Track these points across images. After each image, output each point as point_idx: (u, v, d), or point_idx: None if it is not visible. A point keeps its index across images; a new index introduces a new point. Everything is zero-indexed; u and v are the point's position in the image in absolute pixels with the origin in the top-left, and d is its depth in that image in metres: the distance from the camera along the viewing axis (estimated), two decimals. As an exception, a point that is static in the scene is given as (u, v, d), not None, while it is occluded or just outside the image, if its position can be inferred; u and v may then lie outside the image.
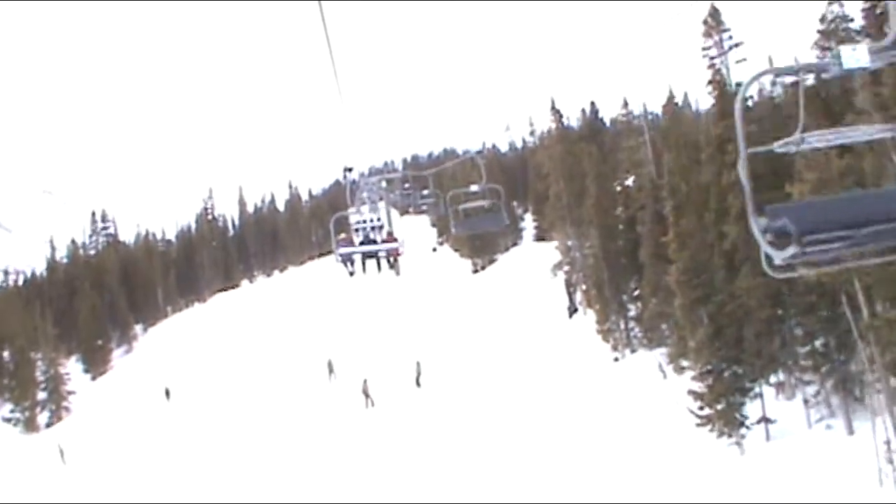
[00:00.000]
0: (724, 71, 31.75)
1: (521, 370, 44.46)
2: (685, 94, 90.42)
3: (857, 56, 5.09)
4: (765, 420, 27.60)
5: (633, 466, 28.32)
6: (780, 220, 4.92)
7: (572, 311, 56.49)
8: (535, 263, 71.84)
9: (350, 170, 22.62)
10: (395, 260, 18.11)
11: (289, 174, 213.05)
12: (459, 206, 19.90)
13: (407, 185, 24.86)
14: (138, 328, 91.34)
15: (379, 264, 18.06)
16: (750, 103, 31.27)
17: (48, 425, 63.69)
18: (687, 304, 29.37)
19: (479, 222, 20.94)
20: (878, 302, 23.12)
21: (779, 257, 4.92)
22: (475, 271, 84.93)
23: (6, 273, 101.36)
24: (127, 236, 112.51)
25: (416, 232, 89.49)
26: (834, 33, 30.49)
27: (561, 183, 57.59)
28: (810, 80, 31.70)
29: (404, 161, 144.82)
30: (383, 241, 17.85)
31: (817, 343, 26.90)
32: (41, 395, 65.74)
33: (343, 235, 17.90)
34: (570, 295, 57.51)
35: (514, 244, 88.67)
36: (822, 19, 30.75)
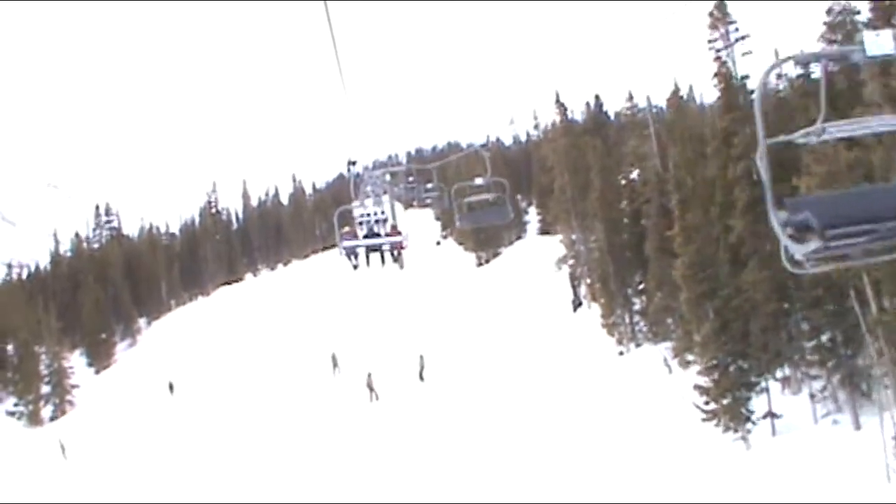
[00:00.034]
0: (729, 63, 31.46)
1: (526, 364, 44.31)
2: (690, 88, 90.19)
3: (880, 42, 4.89)
4: (771, 415, 27.44)
5: (639, 461, 28.16)
6: (801, 213, 4.70)
7: (577, 304, 56.34)
8: (539, 257, 71.69)
9: (354, 163, 22.56)
10: (399, 253, 18.02)
11: (292, 168, 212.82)
12: (464, 199, 19.75)
13: (411, 179, 24.76)
14: (142, 322, 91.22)
15: (383, 258, 17.98)
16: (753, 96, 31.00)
17: (52, 419, 63.58)
18: (693, 299, 29.20)
19: (483, 216, 20.79)
20: (887, 296, 22.92)
21: (800, 252, 4.69)
22: (479, 265, 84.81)
23: (10, 266, 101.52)
24: (131, 230, 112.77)
25: (420, 225, 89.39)
26: (840, 26, 30.27)
27: (565, 176, 57.40)
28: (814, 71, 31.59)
29: (408, 154, 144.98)
30: (387, 235, 17.73)
31: (824, 337, 26.72)
32: (45, 389, 65.59)
33: (347, 229, 17.78)
34: (575, 288, 57.33)
35: (519, 238, 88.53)
36: (829, 12, 30.53)
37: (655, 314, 40.64)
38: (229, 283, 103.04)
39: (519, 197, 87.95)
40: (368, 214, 17.84)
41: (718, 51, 31.35)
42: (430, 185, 24.58)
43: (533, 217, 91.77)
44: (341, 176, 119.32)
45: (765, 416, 27.47)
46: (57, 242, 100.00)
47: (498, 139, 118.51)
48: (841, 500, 20.83)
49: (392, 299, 69.47)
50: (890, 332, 22.20)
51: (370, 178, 19.35)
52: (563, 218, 59.29)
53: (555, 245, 65.62)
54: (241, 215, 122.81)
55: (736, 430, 27.55)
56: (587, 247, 54.64)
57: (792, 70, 33.61)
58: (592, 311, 51.11)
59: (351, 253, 17.49)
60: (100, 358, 78.68)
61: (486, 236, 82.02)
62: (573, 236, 58.21)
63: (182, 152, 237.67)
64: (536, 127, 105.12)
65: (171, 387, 57.77)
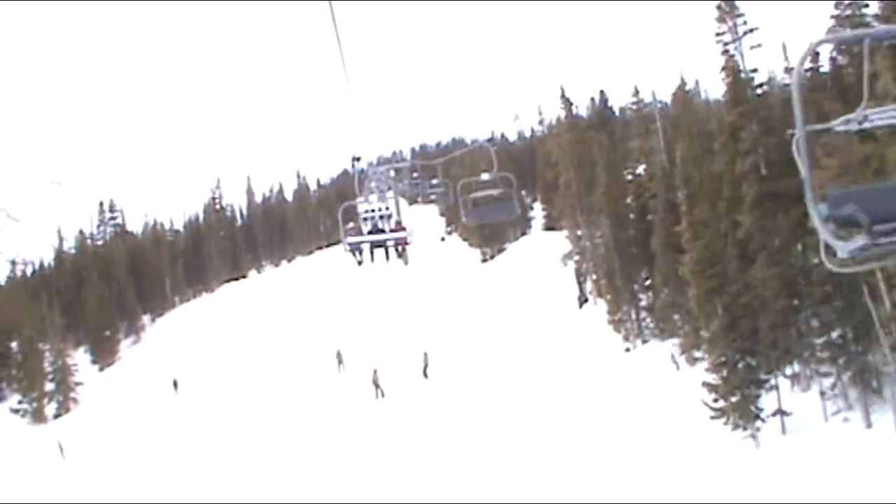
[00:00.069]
0: (738, 57, 31.10)
1: (532, 361, 44.07)
2: (696, 82, 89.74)
3: None
4: (780, 413, 27.11)
5: (646, 459, 27.90)
6: (845, 207, 4.33)
7: (583, 300, 56.08)
8: (544, 253, 71.46)
9: (358, 159, 22.41)
10: (404, 249, 17.93)
11: (297, 164, 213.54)
12: (470, 194, 19.49)
13: (416, 175, 24.61)
14: (146, 318, 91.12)
15: (387, 253, 17.90)
16: (760, 91, 30.67)
17: (56, 416, 63.48)
18: (702, 295, 28.88)
19: (490, 211, 20.50)
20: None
21: (844, 250, 4.29)
22: (484, 261, 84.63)
23: (14, 263, 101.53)
24: (135, 226, 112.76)
25: (424, 221, 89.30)
26: (849, 19, 29.96)
27: (571, 171, 57.14)
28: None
29: (412, 150, 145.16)
30: (392, 231, 17.62)
31: (834, 334, 26.42)
32: (49, 386, 65.50)
33: (351, 224, 17.71)
34: (581, 284, 57.09)
35: (524, 233, 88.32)
36: (837, 5, 30.21)
37: (662, 310, 40.36)
38: (234, 280, 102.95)
39: (524, 193, 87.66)
40: (373, 210, 17.77)
41: (726, 44, 30.95)
42: (435, 181, 24.42)
43: (538, 213, 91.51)
44: (345, 172, 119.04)
45: (774, 414, 27.13)
46: (61, 239, 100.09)
47: (502, 135, 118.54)
48: (852, 499, 20.53)
49: (396, 295, 69.26)
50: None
51: (374, 175, 19.17)
52: (569, 213, 59.05)
53: (560, 241, 65.44)
54: (245, 211, 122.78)
55: (745, 428, 27.23)
56: (593, 242, 54.42)
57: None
58: (598, 308, 50.86)
59: (355, 249, 17.43)
60: (104, 355, 78.58)
61: (490, 232, 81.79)
62: (578, 232, 57.98)
63: (186, 149, 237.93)
64: (541, 122, 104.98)
65: (175, 384, 57.58)
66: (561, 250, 64.33)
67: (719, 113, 37.32)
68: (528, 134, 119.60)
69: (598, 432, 31.53)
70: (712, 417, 28.03)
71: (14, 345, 67.67)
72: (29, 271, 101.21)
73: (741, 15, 31.06)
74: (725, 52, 30.94)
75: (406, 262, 18.59)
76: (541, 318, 54.39)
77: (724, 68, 30.73)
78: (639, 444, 29.33)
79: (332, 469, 33.49)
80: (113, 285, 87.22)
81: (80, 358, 74.16)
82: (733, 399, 27.29)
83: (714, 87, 78.82)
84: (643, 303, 44.33)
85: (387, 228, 17.65)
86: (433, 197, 25.60)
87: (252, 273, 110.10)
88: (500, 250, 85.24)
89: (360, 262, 17.91)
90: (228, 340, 68.54)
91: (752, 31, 30.94)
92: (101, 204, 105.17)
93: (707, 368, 29.37)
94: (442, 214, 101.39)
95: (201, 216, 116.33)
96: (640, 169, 48.15)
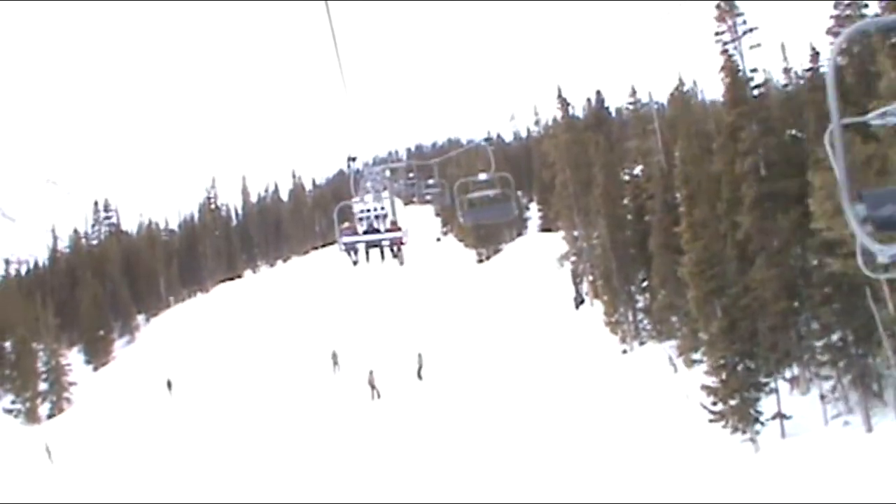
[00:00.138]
0: (737, 57, 30.86)
1: (528, 362, 43.79)
2: (694, 83, 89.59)
3: None
4: (780, 416, 26.88)
5: (644, 462, 27.67)
6: (885, 208, 4.02)
7: (579, 302, 55.85)
8: (540, 254, 71.23)
9: (354, 159, 22.30)
10: (399, 249, 17.81)
11: (292, 163, 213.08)
12: (467, 195, 19.22)
13: (411, 175, 24.44)
14: (140, 318, 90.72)
15: (382, 253, 17.79)
16: (757, 92, 30.44)
17: (49, 416, 63.04)
18: (701, 297, 28.65)
19: (487, 212, 20.24)
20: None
21: (886, 254, 3.96)
22: (480, 261, 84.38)
23: (8, 262, 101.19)
24: (129, 226, 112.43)
25: (420, 222, 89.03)
26: (849, 18, 29.77)
27: (567, 172, 56.96)
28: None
29: (408, 150, 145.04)
30: (387, 231, 17.48)
31: (834, 337, 26.21)
32: (42, 386, 64.99)
33: (347, 224, 17.57)
34: (577, 286, 56.85)
35: (520, 234, 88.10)
36: (837, 5, 30.03)
37: (659, 312, 40.10)
38: (229, 280, 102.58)
39: (520, 193, 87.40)
40: (368, 210, 17.67)
41: (726, 44, 30.71)
42: (431, 181, 24.22)
43: (534, 214, 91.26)
44: (341, 172, 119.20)
45: (774, 417, 26.93)
46: (55, 238, 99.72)
47: (498, 135, 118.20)
48: (852, 503, 20.32)
49: (392, 296, 68.97)
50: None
51: (370, 174, 19.02)
52: (565, 214, 58.83)
53: (556, 242, 65.22)
54: (240, 211, 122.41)
55: (744, 432, 27.01)
56: (589, 243, 54.19)
57: (802, 63, 33.21)
58: (595, 309, 50.62)
59: (351, 249, 17.35)
60: (98, 355, 78.16)
61: (486, 233, 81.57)
62: (575, 233, 57.78)
63: (181, 148, 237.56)
64: (537, 123, 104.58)
65: (169, 384, 57.20)
66: (557, 251, 64.09)
67: (718, 113, 37.13)
68: (524, 134, 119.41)
69: (596, 435, 31.28)
70: (711, 420, 27.80)
71: (7, 344, 67.11)
72: (23, 270, 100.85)
73: (741, 14, 30.84)
74: (724, 51, 30.71)
75: (401, 263, 18.50)
76: (537, 319, 54.10)
77: (723, 68, 30.49)
78: (636, 447, 29.08)
79: (330, 472, 33.18)
80: (107, 285, 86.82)
81: (73, 358, 73.72)
82: (732, 402, 27.07)
83: (711, 88, 78.83)
84: (640, 304, 44.09)
85: (382, 228, 17.57)
86: (429, 197, 25.36)
87: (247, 273, 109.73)
88: (496, 251, 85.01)
89: (355, 262, 17.88)
90: (223, 341, 68.17)
91: (751, 30, 30.73)
92: (96, 203, 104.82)
93: (706, 371, 29.16)
94: (438, 215, 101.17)
95: (196, 216, 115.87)
96: (638, 169, 47.97)
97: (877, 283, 22.27)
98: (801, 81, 33.54)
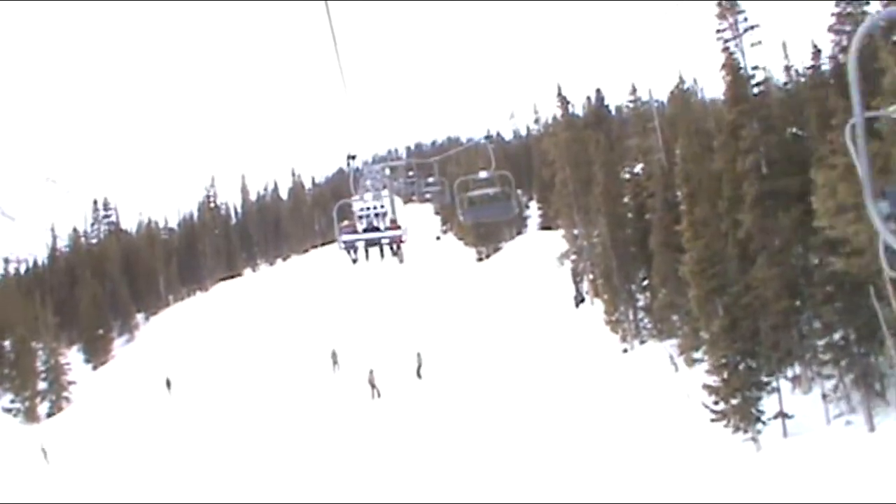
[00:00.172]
0: (738, 55, 30.70)
1: (528, 361, 43.65)
2: (694, 80, 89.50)
3: None
4: (782, 415, 26.74)
5: (645, 462, 27.54)
6: None
7: (579, 300, 55.70)
8: (540, 252, 71.06)
9: (353, 157, 22.18)
10: (399, 247, 17.72)
11: (291, 162, 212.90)
12: (467, 193, 19.10)
13: (411, 173, 24.31)
14: (140, 317, 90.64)
15: (382, 252, 17.69)
16: (758, 90, 30.29)
17: (49, 415, 62.98)
18: (702, 295, 28.49)
19: (487, 210, 20.07)
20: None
21: None
22: (480, 260, 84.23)
23: (7, 261, 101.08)
24: (129, 224, 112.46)
25: (420, 220, 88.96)
26: (850, 16, 29.68)
27: (567, 170, 56.83)
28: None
29: (408, 149, 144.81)
30: (387, 229, 17.38)
31: (836, 335, 26.07)
32: (42, 385, 64.99)
33: (346, 223, 17.46)
34: (577, 284, 56.72)
35: (519, 233, 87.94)
36: (838, 3, 29.93)
37: (660, 311, 39.94)
38: (228, 279, 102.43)
39: (520, 192, 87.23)
40: (368, 209, 17.55)
41: (727, 41, 30.56)
42: (431, 180, 24.09)
43: (534, 212, 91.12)
44: (341, 170, 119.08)
45: (775, 417, 26.78)
46: (55, 237, 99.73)
47: (498, 133, 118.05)
48: (854, 503, 20.19)
49: (391, 295, 68.85)
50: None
51: (370, 173, 18.93)
52: (565, 212, 58.70)
53: (556, 240, 65.08)
54: (239, 210, 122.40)
55: (746, 431, 26.86)
56: (590, 242, 54.05)
57: (803, 62, 33.05)
58: (595, 308, 50.48)
59: (350, 247, 17.27)
60: (97, 354, 78.08)
61: (486, 231, 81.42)
62: (575, 231, 57.63)
63: (181, 147, 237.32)
64: (537, 121, 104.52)
65: (168, 383, 57.08)
66: (557, 250, 63.94)
67: (718, 111, 36.98)
68: (523, 133, 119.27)
69: (596, 435, 31.15)
70: (713, 420, 27.65)
71: (7, 343, 67.07)
72: (22, 269, 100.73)
73: (742, 12, 30.69)
74: (726, 49, 30.55)
75: (401, 261, 18.43)
76: (537, 318, 53.97)
77: (724, 66, 30.32)
78: (637, 446, 28.95)
79: (330, 471, 33.03)
80: (107, 284, 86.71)
81: (73, 357, 73.63)
82: (734, 401, 26.93)
83: (711, 87, 78.68)
84: (641, 303, 43.93)
85: (382, 227, 17.46)
86: (429, 196, 25.22)
87: (247, 272, 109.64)
88: (496, 249, 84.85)
89: (354, 261, 17.80)
90: (222, 340, 68.05)
91: (752, 28, 30.57)
92: (96, 202, 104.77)
93: (707, 370, 29.01)
94: (437, 213, 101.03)
95: (196, 214, 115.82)
96: (638, 168, 47.83)
97: (880, 282, 22.13)
98: (803, 79, 33.41)
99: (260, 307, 78.93)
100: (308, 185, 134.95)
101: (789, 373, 29.18)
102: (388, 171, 20.45)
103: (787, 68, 35.21)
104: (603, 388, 36.56)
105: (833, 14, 30.04)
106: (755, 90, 29.91)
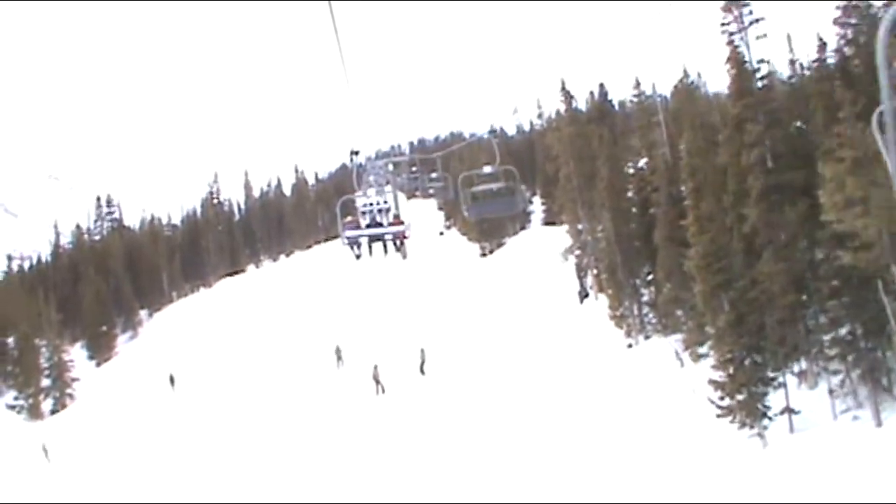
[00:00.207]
0: (743, 48, 30.48)
1: (532, 357, 43.54)
2: (698, 74, 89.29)
3: None
4: (788, 411, 26.56)
5: (650, 458, 27.39)
6: None
7: (583, 295, 55.56)
8: (544, 247, 70.94)
9: (356, 153, 22.12)
10: (402, 243, 17.74)
11: (295, 158, 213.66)
12: (471, 188, 18.95)
13: (414, 169, 24.21)
14: (143, 314, 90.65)
15: (385, 247, 17.69)
16: (762, 84, 30.07)
17: (52, 412, 62.98)
18: (707, 290, 28.26)
19: (492, 205, 19.93)
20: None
21: None
22: (483, 255, 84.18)
23: (10, 258, 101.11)
24: (132, 221, 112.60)
25: (423, 216, 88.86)
26: (855, 9, 29.49)
27: (571, 165, 56.63)
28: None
29: (411, 144, 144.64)
30: (390, 225, 17.34)
31: (843, 330, 25.89)
32: (45, 382, 64.98)
33: (350, 219, 17.50)
34: (581, 279, 56.59)
35: (523, 228, 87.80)
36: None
37: (665, 306, 39.77)
38: (231, 275, 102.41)
39: (523, 187, 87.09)
40: (371, 204, 17.54)
41: (732, 35, 30.33)
42: (434, 175, 24.00)
43: (537, 207, 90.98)
44: (344, 166, 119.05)
45: (782, 412, 26.58)
46: (58, 234, 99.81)
47: (501, 129, 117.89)
48: (861, 499, 20.03)
49: (395, 290, 68.82)
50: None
51: (373, 168, 18.86)
52: (569, 207, 58.52)
53: (560, 235, 64.91)
54: (243, 206, 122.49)
55: (752, 427, 26.65)
56: (594, 237, 53.89)
57: (808, 55, 32.82)
58: (600, 303, 50.32)
59: (353, 243, 17.34)
60: (100, 351, 78.09)
61: (489, 226, 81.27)
62: (579, 226, 57.46)
63: (184, 143, 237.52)
64: (540, 116, 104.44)
65: (171, 380, 57.05)
66: (561, 245, 63.81)
67: (723, 105, 36.80)
68: (527, 128, 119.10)
69: (601, 429, 31.02)
70: (718, 416, 27.45)
71: (10, 340, 67.12)
72: (26, 266, 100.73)
73: (747, 5, 30.46)
74: (730, 42, 30.32)
75: (404, 257, 18.43)
76: (541, 313, 53.85)
77: (729, 59, 30.11)
78: (643, 441, 28.81)
79: (336, 468, 32.89)
80: (110, 280, 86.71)
81: (76, 353, 73.63)
82: (740, 397, 26.73)
83: (714, 81, 78.42)
84: (645, 298, 43.75)
85: (385, 222, 17.46)
86: (432, 191, 25.10)
87: (250, 268, 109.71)
88: (500, 245, 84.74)
89: (358, 256, 17.85)
90: (226, 336, 68.04)
91: (757, 21, 30.34)
92: (99, 199, 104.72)
93: (713, 365, 28.80)
94: (440, 209, 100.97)
95: (199, 211, 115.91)
96: (642, 162, 47.66)
97: (888, 276, 21.96)
98: (808, 72, 33.23)
99: (263, 303, 78.91)
100: (311, 180, 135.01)
101: (796, 368, 28.99)
102: (391, 167, 20.36)
103: (792, 62, 35.08)
104: (607, 383, 36.42)
105: (838, 7, 29.80)
106: (760, 84, 29.66)
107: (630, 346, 42.89)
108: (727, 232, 29.16)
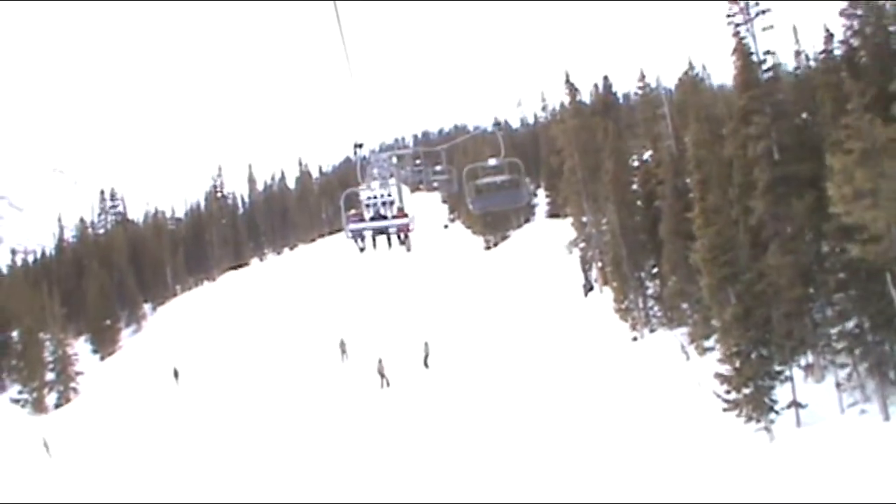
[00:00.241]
0: (749, 39, 30.25)
1: (537, 350, 43.43)
2: (703, 66, 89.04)
3: None
4: (795, 404, 26.40)
5: (656, 451, 27.25)
6: None
7: (588, 288, 55.43)
8: (548, 240, 70.82)
9: (360, 146, 21.93)
10: (406, 236, 17.61)
11: (299, 151, 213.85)
12: (476, 181, 18.79)
13: (418, 161, 24.05)
14: (147, 307, 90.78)
15: (389, 240, 17.60)
16: (767, 75, 29.84)
17: (57, 406, 63.00)
18: (714, 283, 28.06)
19: (497, 198, 19.73)
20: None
21: None
22: (487, 248, 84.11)
23: (15, 252, 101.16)
24: (136, 215, 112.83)
25: (427, 209, 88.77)
26: (862, 0, 29.22)
27: (575, 157, 56.50)
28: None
29: (415, 137, 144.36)
30: (394, 217, 17.22)
31: (850, 324, 25.72)
32: (49, 376, 64.98)
33: (353, 212, 17.36)
34: (586, 272, 56.45)
35: (527, 221, 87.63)
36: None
37: (670, 299, 39.61)
38: (235, 268, 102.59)
39: (528, 180, 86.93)
40: (375, 197, 17.42)
41: (738, 26, 30.10)
42: (438, 168, 23.82)
43: (542, 200, 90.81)
44: (348, 159, 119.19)
45: (789, 406, 26.42)
46: (62, 228, 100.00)
47: (505, 121, 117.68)
48: (869, 493, 19.91)
49: (399, 283, 68.75)
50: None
51: (377, 161, 18.69)
52: (574, 200, 58.40)
53: (565, 228, 64.76)
54: (247, 199, 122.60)
55: (758, 421, 26.49)
56: (598, 229, 53.75)
57: (815, 46, 32.58)
58: (604, 296, 50.18)
59: (357, 236, 17.21)
60: (105, 344, 78.27)
61: (494, 219, 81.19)
62: (584, 219, 57.30)
63: (188, 137, 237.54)
64: (544, 109, 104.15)
65: (175, 373, 57.03)
66: (565, 238, 63.61)
67: (728, 97, 36.57)
68: (531, 120, 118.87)
69: (607, 423, 30.87)
70: (725, 409, 27.31)
71: (14, 334, 67.09)
72: (30, 260, 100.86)
73: (754, -4, 30.20)
74: (737, 34, 30.10)
75: (408, 250, 18.29)
76: (545, 306, 53.75)
77: (735, 50, 29.89)
78: (648, 436, 28.67)
79: (341, 462, 32.72)
80: (114, 274, 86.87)
81: (80, 347, 73.77)
82: (746, 390, 26.55)
83: (719, 73, 78.17)
84: (650, 291, 43.58)
85: (389, 215, 17.33)
86: (436, 184, 24.91)
87: (254, 261, 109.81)
88: (504, 238, 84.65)
89: (362, 250, 17.73)
90: (230, 329, 68.06)
91: (763, 12, 30.10)
92: (103, 192, 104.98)
93: (719, 359, 28.65)
94: (445, 202, 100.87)
95: (203, 204, 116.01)
96: (647, 155, 47.47)
97: (896, 270, 21.82)
98: (814, 64, 32.96)
99: (267, 297, 78.95)
100: (315, 174, 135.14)
101: (802, 361, 28.84)
102: (395, 160, 20.18)
103: (798, 53, 34.77)
104: (613, 376, 36.30)
105: (844, -1, 29.52)
106: (766, 75, 29.45)
107: (635, 339, 42.74)
108: (733, 224, 28.97)
